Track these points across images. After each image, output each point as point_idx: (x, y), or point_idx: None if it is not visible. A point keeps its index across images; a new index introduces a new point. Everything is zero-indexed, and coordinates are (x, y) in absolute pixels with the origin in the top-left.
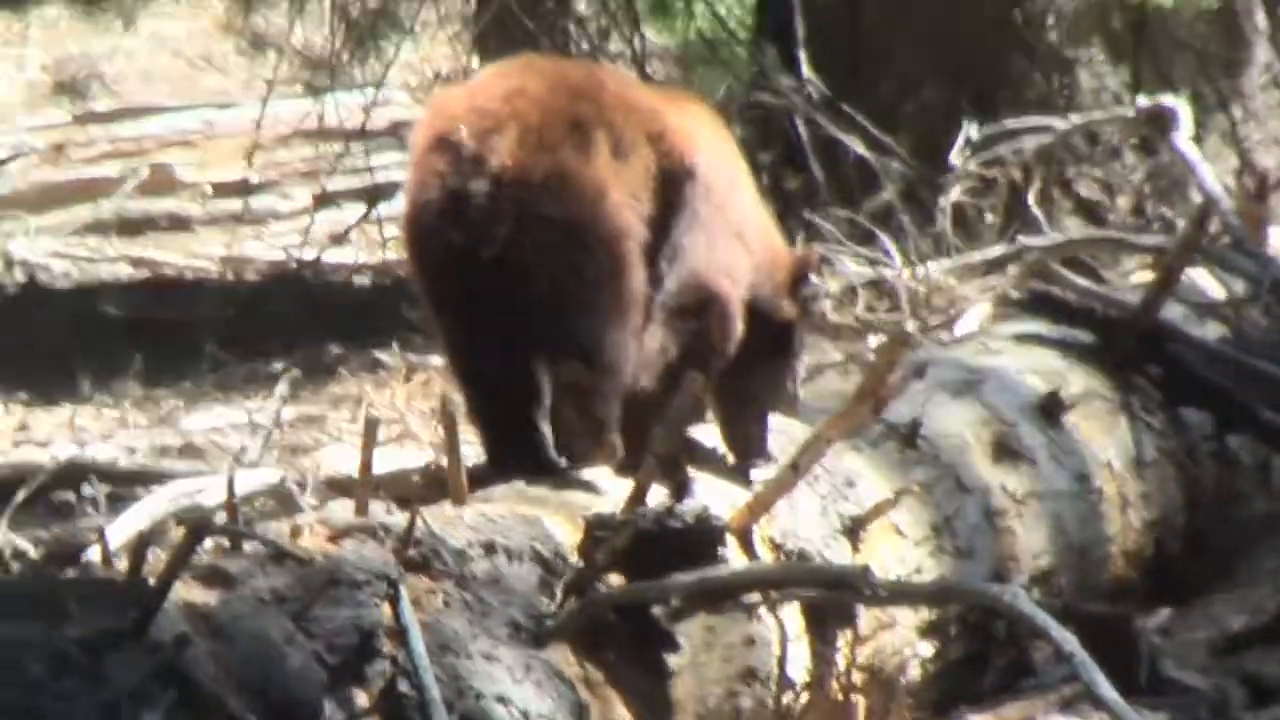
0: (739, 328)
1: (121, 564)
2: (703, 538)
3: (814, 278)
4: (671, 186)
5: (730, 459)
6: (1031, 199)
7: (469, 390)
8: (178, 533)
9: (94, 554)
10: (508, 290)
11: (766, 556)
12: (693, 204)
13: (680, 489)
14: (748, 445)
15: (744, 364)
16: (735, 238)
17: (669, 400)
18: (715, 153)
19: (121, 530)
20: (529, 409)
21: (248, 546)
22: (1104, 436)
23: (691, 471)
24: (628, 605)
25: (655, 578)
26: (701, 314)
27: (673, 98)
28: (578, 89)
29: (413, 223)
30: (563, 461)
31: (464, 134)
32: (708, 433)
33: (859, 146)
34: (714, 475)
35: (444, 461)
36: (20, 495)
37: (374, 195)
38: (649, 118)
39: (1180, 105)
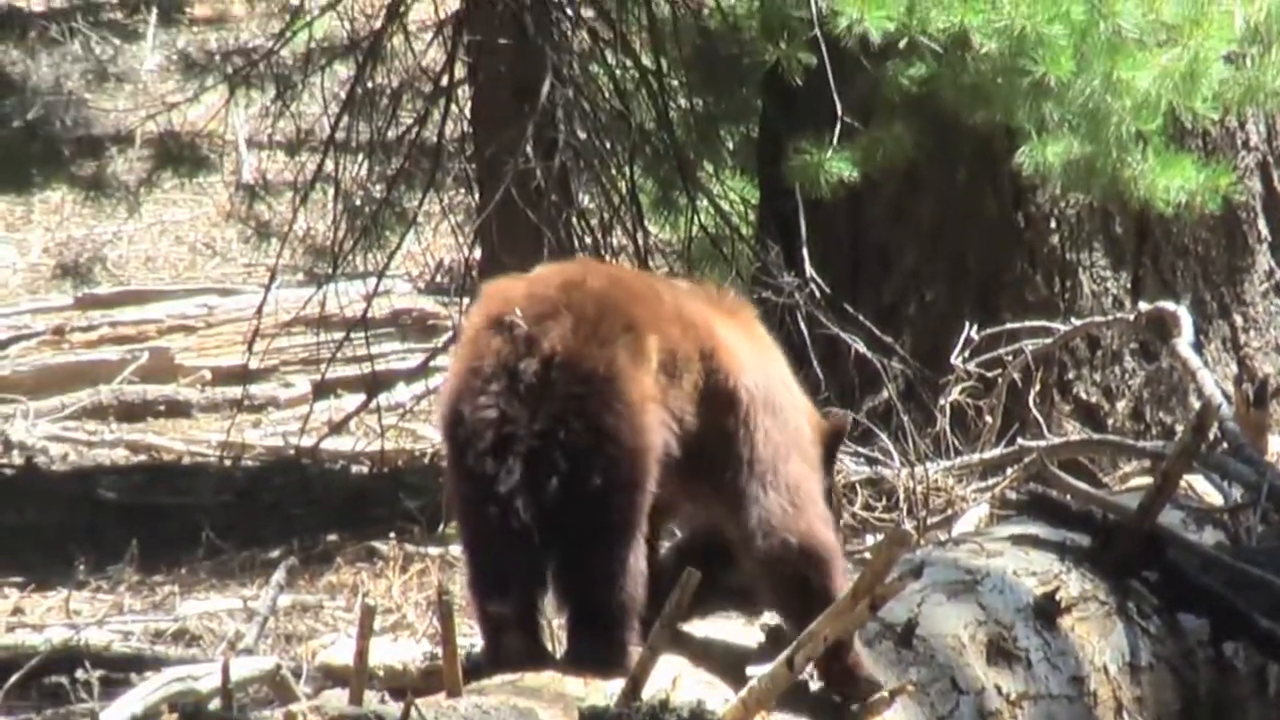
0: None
1: None
2: None
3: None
4: (722, 402)
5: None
6: (1031, 401)
7: (474, 566)
8: (171, 719)
9: None
10: (534, 477)
11: None
12: (753, 419)
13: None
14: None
15: None
16: (793, 450)
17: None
18: (754, 359)
19: (115, 716)
20: (532, 596)
21: None
22: (1100, 640)
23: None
24: None
25: None
26: (802, 563)
27: (720, 302)
28: (634, 293)
29: (458, 395)
30: None
31: (519, 316)
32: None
33: (860, 345)
34: (709, 671)
35: (440, 652)
36: (14, 678)
37: (374, 384)
38: (703, 333)
39: (1182, 311)
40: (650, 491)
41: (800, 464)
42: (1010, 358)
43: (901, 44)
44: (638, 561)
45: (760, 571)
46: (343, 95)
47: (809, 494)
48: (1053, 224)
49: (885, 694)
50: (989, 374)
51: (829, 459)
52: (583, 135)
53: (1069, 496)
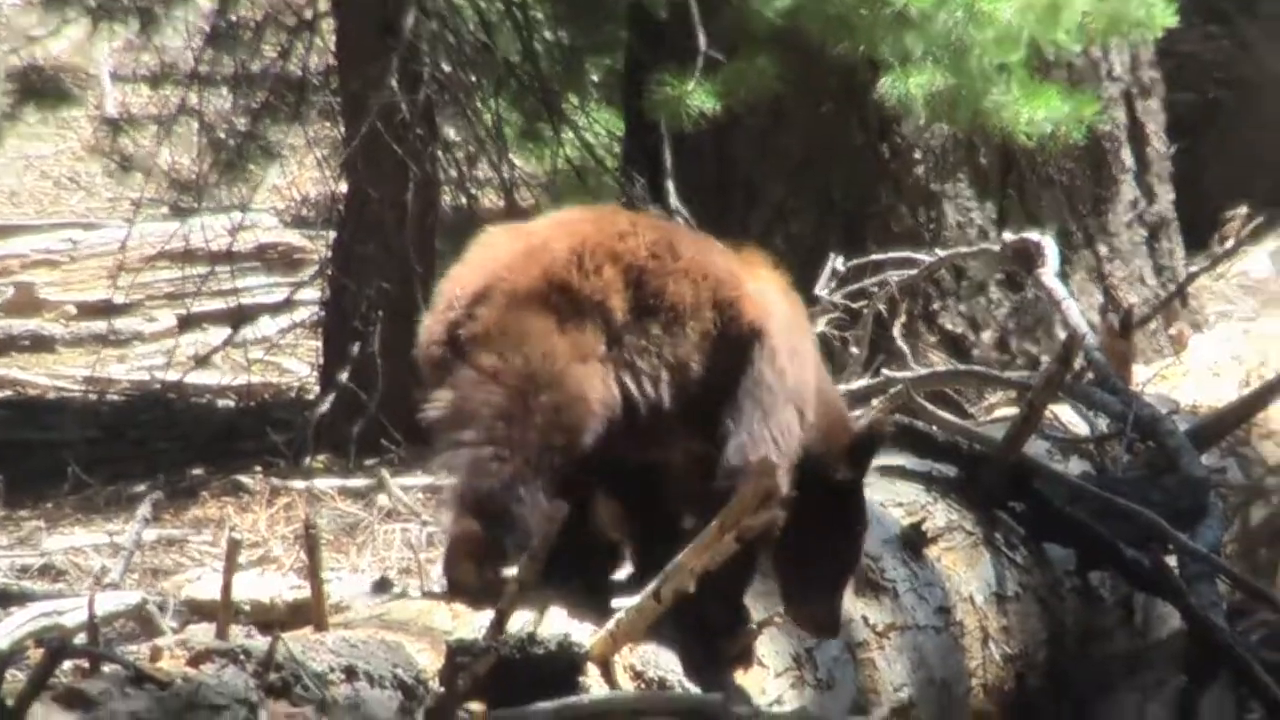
0: (779, 492)
1: None
2: (564, 665)
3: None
4: (735, 349)
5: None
6: (897, 332)
7: None
8: (37, 654)
9: None
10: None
11: (627, 685)
12: (758, 365)
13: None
14: (814, 620)
15: (806, 533)
16: (791, 403)
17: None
18: (784, 321)
19: None
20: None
21: (108, 668)
22: (967, 570)
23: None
24: None
25: (516, 705)
26: (739, 475)
27: (750, 261)
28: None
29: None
30: None
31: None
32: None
33: None
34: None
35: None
36: None
37: (239, 318)
38: (725, 283)
39: (1047, 241)
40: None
41: (793, 417)
42: (876, 289)
43: None
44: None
45: (711, 490)
46: (206, 28)
47: (789, 447)
48: (918, 155)
49: (753, 626)
50: (855, 305)
51: (854, 459)
52: (447, 68)
53: (935, 427)
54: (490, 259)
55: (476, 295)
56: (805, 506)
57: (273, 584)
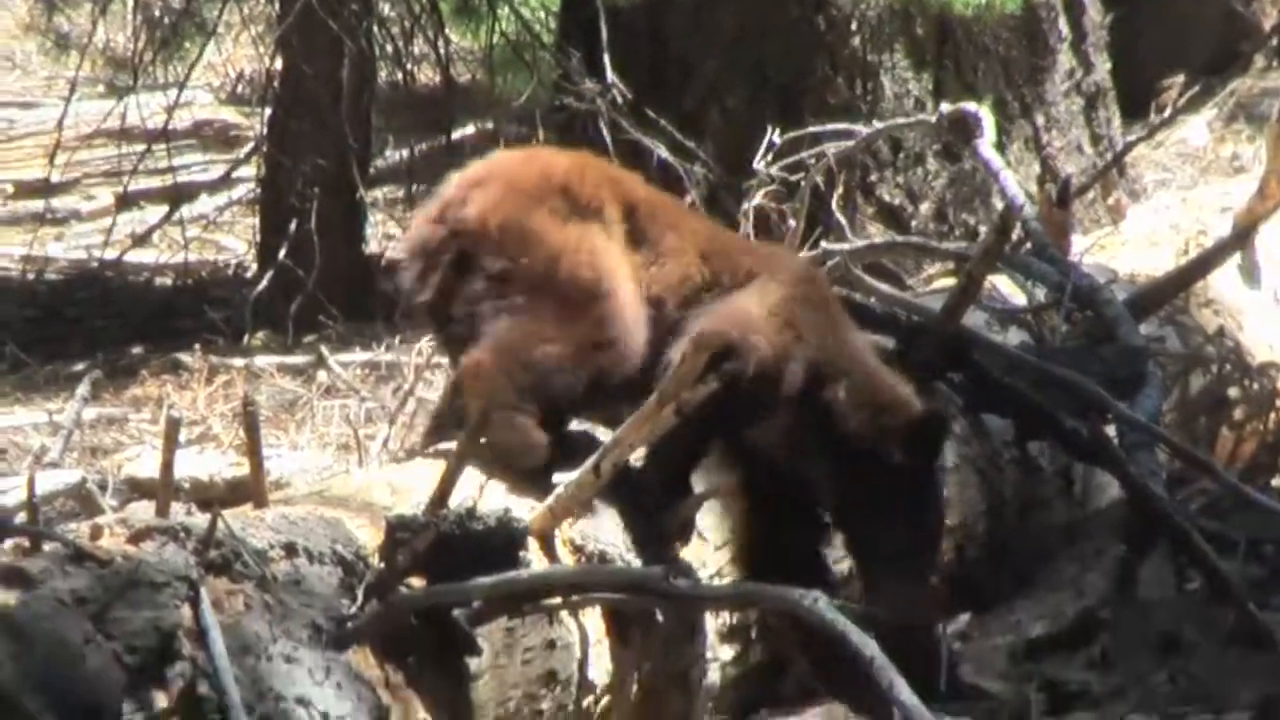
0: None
1: None
2: (504, 540)
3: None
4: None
5: None
6: (834, 205)
7: None
8: None
9: None
10: None
11: (568, 560)
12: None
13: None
14: (899, 609)
15: (873, 519)
16: (773, 314)
17: None
18: (796, 277)
19: None
20: None
21: (48, 547)
22: None
23: (489, 478)
24: (428, 608)
25: (456, 580)
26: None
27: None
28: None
29: None
30: None
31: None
32: None
33: (663, 151)
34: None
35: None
36: None
37: (176, 196)
38: (717, 238)
39: (983, 112)
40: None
41: (762, 313)
42: (813, 161)
43: None
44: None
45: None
46: None
47: (748, 329)
48: (853, 26)
49: (693, 499)
50: (792, 178)
51: (908, 444)
52: None
53: (873, 299)
54: (487, 163)
55: (474, 180)
56: (867, 491)
57: (212, 462)
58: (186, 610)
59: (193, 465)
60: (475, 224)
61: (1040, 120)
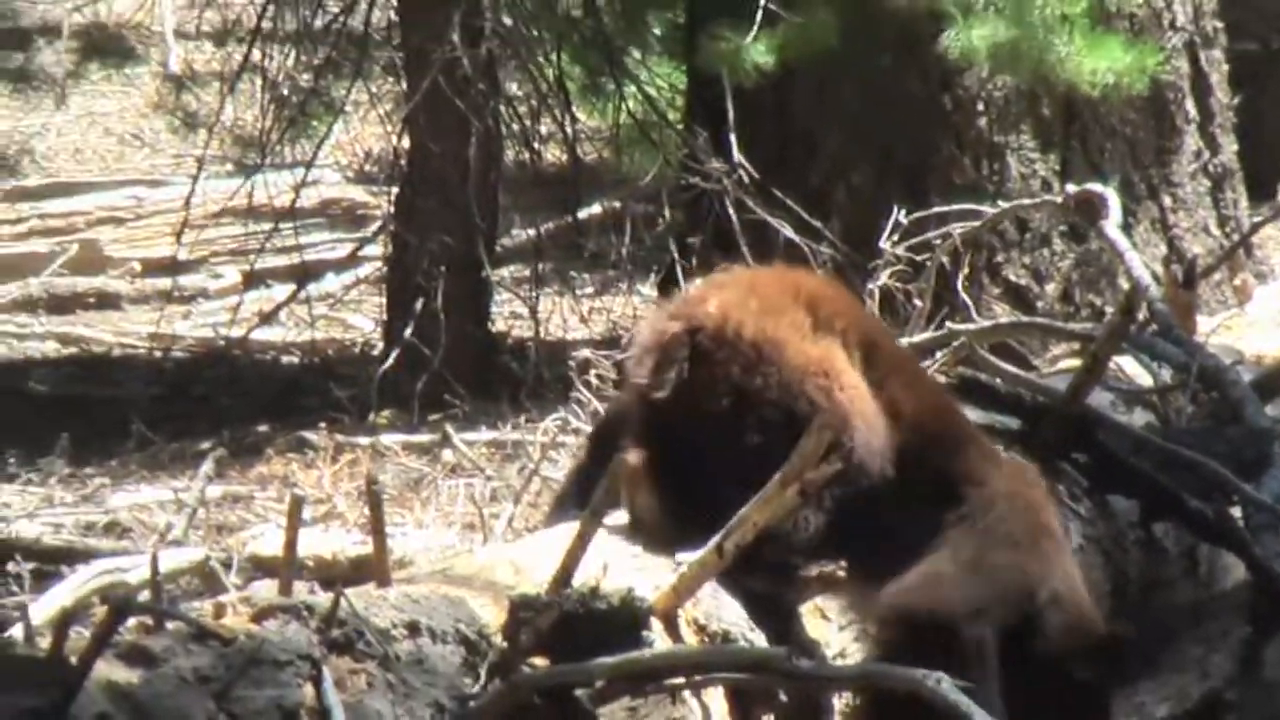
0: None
1: (44, 642)
2: (627, 620)
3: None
4: None
5: None
6: (960, 285)
7: None
8: (101, 611)
9: (17, 632)
10: None
11: (691, 639)
12: None
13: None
14: None
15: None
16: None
17: None
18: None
19: (45, 608)
20: None
21: (171, 625)
22: None
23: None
24: (551, 687)
25: (579, 659)
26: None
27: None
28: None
29: None
30: None
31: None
32: None
33: (788, 230)
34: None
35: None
36: None
37: (303, 275)
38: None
39: (1109, 193)
40: None
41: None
42: (939, 241)
43: None
44: None
45: None
46: None
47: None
48: (980, 106)
49: (814, 577)
50: (917, 257)
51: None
52: (509, 22)
53: (998, 379)
54: (731, 271)
55: (718, 284)
56: (1037, 703)
57: (336, 540)
58: (309, 689)
59: (317, 543)
60: (715, 321)
61: (1167, 201)
